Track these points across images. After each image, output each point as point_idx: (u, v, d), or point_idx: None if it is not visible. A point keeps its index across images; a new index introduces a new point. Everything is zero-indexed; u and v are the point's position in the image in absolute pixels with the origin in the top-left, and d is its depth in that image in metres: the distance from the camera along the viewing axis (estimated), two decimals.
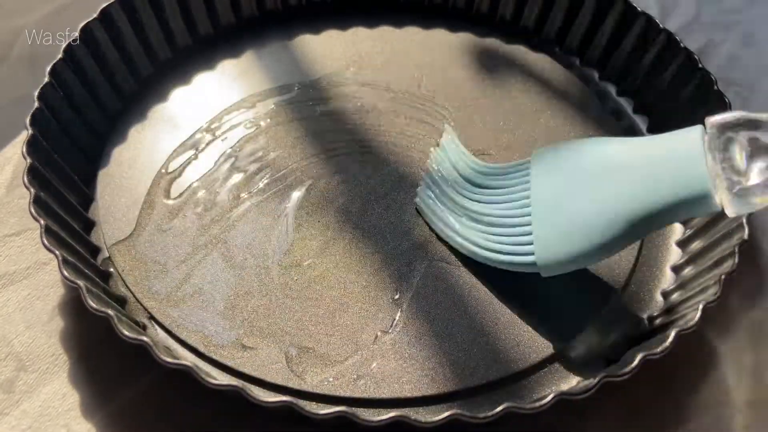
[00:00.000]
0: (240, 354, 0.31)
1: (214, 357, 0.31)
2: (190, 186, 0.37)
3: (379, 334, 0.32)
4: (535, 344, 0.32)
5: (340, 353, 0.32)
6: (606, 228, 0.31)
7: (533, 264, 0.32)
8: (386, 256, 0.35)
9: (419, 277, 0.34)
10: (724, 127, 0.29)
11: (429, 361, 0.32)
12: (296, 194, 0.37)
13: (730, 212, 0.29)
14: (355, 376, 0.31)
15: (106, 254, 0.35)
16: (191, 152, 0.39)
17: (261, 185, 0.37)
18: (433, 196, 0.37)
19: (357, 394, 0.30)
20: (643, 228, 0.31)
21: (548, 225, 0.32)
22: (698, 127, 0.30)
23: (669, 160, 0.30)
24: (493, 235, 0.34)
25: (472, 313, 0.33)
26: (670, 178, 0.30)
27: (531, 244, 0.32)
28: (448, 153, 0.38)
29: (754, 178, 0.28)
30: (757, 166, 0.28)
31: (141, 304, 0.33)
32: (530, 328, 0.33)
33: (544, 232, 0.32)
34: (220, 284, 0.34)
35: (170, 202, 0.37)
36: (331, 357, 0.32)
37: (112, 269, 0.34)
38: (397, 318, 0.33)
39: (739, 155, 0.29)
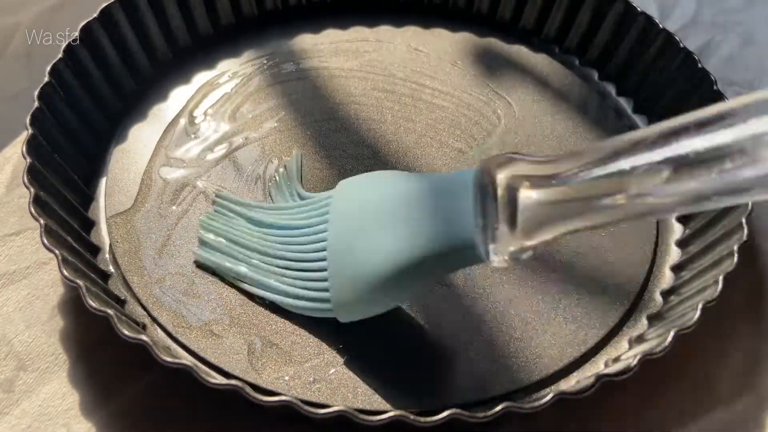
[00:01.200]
0: (206, 340, 0.32)
1: (180, 338, 0.32)
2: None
3: (346, 341, 0.32)
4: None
5: (302, 354, 0.31)
6: (380, 274, 0.28)
7: (330, 310, 0.30)
8: None
9: None
10: (489, 171, 0.25)
11: (389, 377, 0.31)
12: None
13: (493, 262, 0.26)
14: (311, 379, 0.31)
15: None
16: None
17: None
18: (215, 247, 0.34)
19: (308, 397, 0.30)
20: (414, 276, 0.28)
21: (342, 267, 0.29)
22: (472, 170, 0.27)
23: (441, 205, 0.27)
24: (291, 278, 0.32)
25: (449, 336, 0.32)
26: (438, 224, 0.27)
27: (327, 290, 0.30)
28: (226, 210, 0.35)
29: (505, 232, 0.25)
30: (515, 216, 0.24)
31: (124, 278, 0.33)
32: (523, 352, 0.32)
33: (338, 274, 0.30)
34: (204, 268, 0.34)
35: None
36: (293, 356, 0.31)
37: (106, 242, 0.35)
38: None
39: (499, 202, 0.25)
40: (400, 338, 0.32)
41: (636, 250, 0.36)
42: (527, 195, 0.24)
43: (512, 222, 0.24)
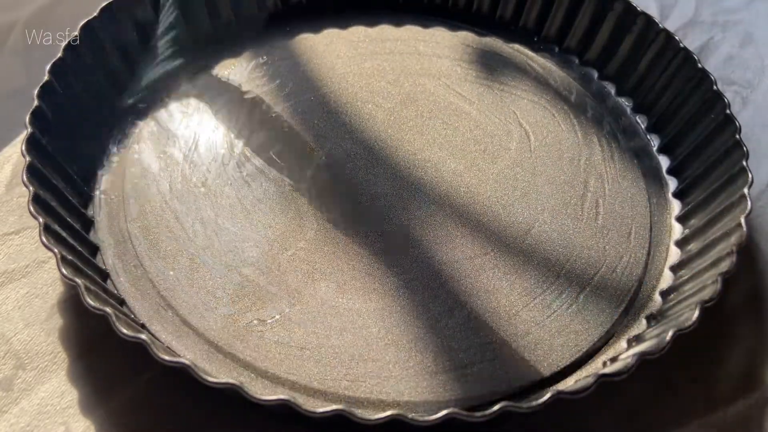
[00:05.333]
0: (124, 268, 0.34)
1: (99, 265, 0.33)
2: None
3: (255, 321, 0.32)
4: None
5: (205, 308, 0.33)
6: None
7: None
8: (328, 257, 0.35)
9: (325, 284, 0.34)
10: None
11: (270, 357, 0.31)
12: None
13: None
14: (207, 337, 0.32)
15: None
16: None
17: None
18: None
19: (194, 359, 0.31)
20: None
21: None
22: None
23: None
24: None
25: (352, 329, 0.33)
26: None
27: None
28: None
29: None
30: None
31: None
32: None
33: None
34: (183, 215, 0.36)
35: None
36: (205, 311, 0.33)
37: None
38: (280, 314, 0.33)
39: None
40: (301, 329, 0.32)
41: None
42: None
43: None
